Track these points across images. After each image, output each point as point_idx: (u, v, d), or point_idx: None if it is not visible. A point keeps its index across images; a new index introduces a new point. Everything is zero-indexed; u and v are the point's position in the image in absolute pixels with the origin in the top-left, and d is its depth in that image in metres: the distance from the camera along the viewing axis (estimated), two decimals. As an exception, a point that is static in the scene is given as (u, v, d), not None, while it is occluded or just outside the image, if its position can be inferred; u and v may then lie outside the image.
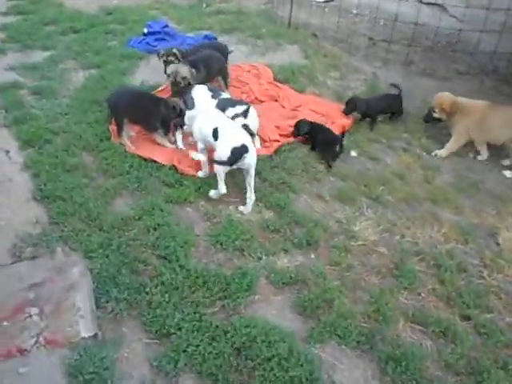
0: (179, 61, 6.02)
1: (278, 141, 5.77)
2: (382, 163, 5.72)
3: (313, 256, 4.42)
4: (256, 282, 4.05)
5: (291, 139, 5.89)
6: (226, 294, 3.92)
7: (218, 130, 4.75)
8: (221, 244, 4.41)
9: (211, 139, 4.84)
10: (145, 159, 5.37)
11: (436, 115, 5.97)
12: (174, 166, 5.28)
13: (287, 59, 8.17)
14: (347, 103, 6.39)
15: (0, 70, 7.20)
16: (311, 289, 4.05)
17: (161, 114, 5.48)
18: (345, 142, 5.79)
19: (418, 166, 5.76)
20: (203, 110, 5.23)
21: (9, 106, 6.21)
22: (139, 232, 4.46)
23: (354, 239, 4.58)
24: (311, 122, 5.85)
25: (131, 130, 5.69)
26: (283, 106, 6.63)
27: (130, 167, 5.24)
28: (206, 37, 8.64)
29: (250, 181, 4.77)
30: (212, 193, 4.92)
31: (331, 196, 5.12)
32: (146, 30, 8.53)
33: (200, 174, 5.17)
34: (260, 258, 4.30)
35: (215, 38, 8.67)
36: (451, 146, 5.97)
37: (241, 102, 5.76)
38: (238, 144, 4.53)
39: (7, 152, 5.46)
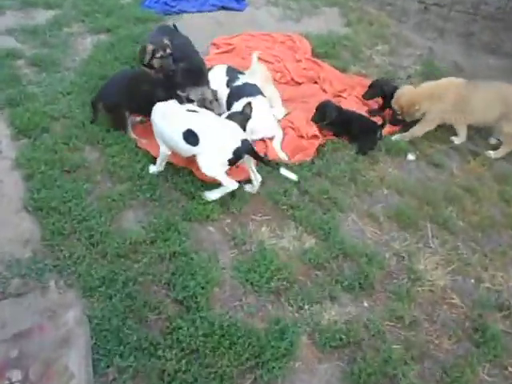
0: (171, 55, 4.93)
1: (317, 137, 4.74)
2: (447, 172, 4.74)
3: (366, 304, 3.54)
4: (297, 343, 3.20)
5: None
6: (258, 362, 3.05)
7: (197, 132, 3.89)
8: (251, 284, 3.53)
9: (181, 144, 3.98)
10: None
11: (400, 117, 4.99)
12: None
13: (325, 27, 7.07)
14: (370, 86, 5.37)
15: (-4, 33, 6.14)
16: (367, 356, 3.19)
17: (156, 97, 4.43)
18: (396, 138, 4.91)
19: (491, 177, 4.76)
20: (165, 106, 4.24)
21: (2, 81, 5.24)
22: (151, 263, 3.60)
23: (418, 282, 3.69)
24: (340, 108, 4.90)
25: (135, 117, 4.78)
26: (324, 91, 5.59)
27: (141, 170, 4.32)
28: (233, -5, 7.47)
29: (252, 165, 4.08)
30: (207, 194, 4.10)
31: (386, 217, 4.19)
32: (164, -12, 7.37)
33: (151, 168, 4.30)
34: (301, 308, 3.43)
35: (244, -3, 7.52)
36: (417, 129, 5.01)
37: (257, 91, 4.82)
38: (238, 143, 3.84)
39: (-3, 143, 4.51)
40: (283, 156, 4.53)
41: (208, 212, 3.99)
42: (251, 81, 4.92)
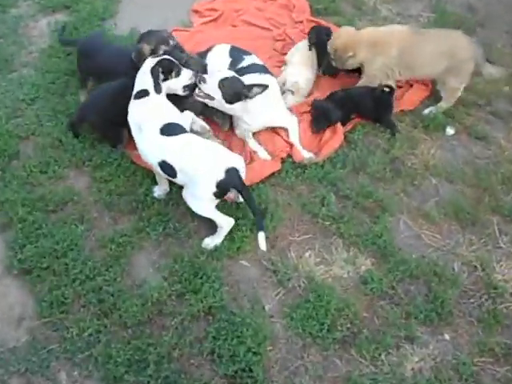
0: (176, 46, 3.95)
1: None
2: (494, 145, 4.05)
3: (447, 337, 2.97)
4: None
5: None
6: None
7: (171, 164, 3.19)
8: (311, 334, 2.89)
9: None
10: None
11: (351, 61, 4.11)
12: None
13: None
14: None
15: None
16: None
17: None
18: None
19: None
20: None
21: None
22: (184, 327, 2.96)
23: (500, 299, 3.10)
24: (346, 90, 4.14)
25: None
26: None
27: (145, 195, 3.55)
28: None
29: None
30: (207, 242, 3.32)
31: (443, 214, 3.54)
32: None
33: (155, 191, 3.57)
34: (376, 358, 2.83)
35: None
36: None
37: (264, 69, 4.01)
38: (221, 175, 3.06)
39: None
40: (309, 155, 3.78)
41: (237, 242, 3.26)
42: (258, 61, 4.09)
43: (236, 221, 3.31)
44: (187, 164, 3.12)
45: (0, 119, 4.06)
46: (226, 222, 3.23)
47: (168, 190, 3.48)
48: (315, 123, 3.93)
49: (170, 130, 3.22)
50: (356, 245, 3.30)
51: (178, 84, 3.54)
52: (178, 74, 3.50)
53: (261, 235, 3.10)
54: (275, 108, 3.85)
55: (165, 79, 3.44)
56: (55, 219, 3.44)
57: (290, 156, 3.79)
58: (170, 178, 3.30)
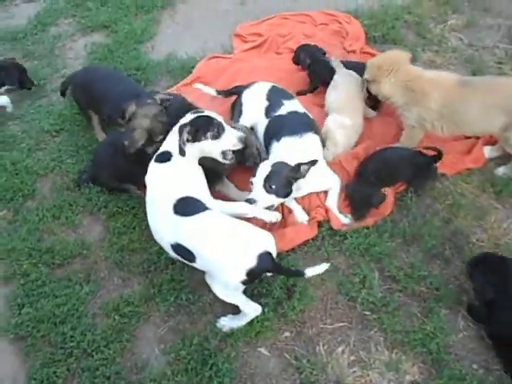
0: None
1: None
2: None
3: None
4: None
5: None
6: None
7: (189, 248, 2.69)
8: None
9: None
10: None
11: (374, 90, 3.54)
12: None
13: (379, -5, 5.49)
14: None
15: (-36, 42, 4.87)
16: None
17: None
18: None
19: None
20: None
21: (-29, 120, 4.02)
22: None
23: None
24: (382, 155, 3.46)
25: None
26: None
27: (158, 255, 3.17)
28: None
29: None
30: (222, 323, 2.83)
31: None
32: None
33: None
34: None
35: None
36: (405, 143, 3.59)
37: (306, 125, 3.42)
38: (253, 262, 2.55)
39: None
40: (346, 220, 3.26)
41: (257, 326, 2.76)
42: (300, 108, 3.54)
43: (257, 299, 2.87)
44: (209, 251, 2.63)
45: (21, 152, 3.80)
46: (252, 310, 2.76)
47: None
48: (354, 212, 3.32)
49: (185, 206, 2.73)
50: (401, 345, 2.74)
51: (214, 147, 3.02)
52: (216, 136, 2.98)
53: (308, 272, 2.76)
54: (318, 171, 3.27)
55: (196, 140, 2.94)
56: (60, 276, 3.12)
57: (327, 220, 3.23)
58: (187, 263, 2.80)
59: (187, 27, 5.09)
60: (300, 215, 3.28)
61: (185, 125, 2.91)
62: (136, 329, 2.87)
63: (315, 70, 4.10)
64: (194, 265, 2.75)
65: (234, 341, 2.76)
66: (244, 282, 2.61)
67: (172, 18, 5.31)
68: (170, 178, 2.86)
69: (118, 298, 2.97)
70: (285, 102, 3.53)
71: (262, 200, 3.02)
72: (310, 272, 2.77)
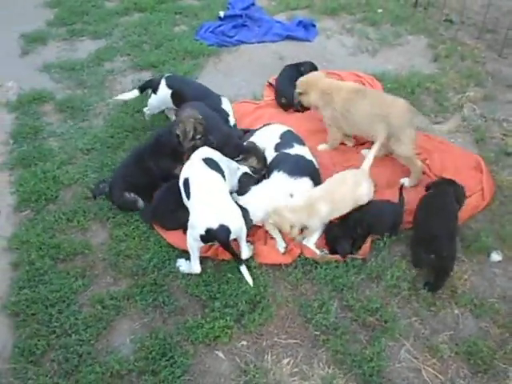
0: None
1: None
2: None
3: None
4: None
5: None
6: None
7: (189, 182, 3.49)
8: None
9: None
10: (172, 247, 3.69)
11: (303, 99, 4.49)
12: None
13: (407, 62, 5.93)
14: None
15: (32, 70, 5.70)
16: None
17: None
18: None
19: None
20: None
21: (20, 133, 4.69)
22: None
23: None
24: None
25: None
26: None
27: (148, 261, 3.64)
28: (300, 23, 6.53)
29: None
30: (180, 263, 3.51)
31: (454, 352, 3.14)
32: (222, 14, 6.60)
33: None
34: None
35: (313, 25, 6.54)
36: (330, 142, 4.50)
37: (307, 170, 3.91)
38: (214, 225, 3.22)
39: (-4, 214, 3.91)
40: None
41: (218, 331, 3.10)
42: (308, 155, 4.00)
43: (223, 308, 3.18)
44: (197, 199, 3.37)
45: (53, 164, 4.35)
46: (195, 267, 3.40)
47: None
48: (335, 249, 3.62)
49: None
50: (341, 364, 3.00)
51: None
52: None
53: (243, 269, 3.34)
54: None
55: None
56: (61, 268, 3.56)
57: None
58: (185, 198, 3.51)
59: (227, 74, 5.62)
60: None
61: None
62: (114, 320, 3.25)
63: None
64: (186, 203, 3.48)
65: (194, 340, 3.09)
66: (201, 237, 3.24)
67: (215, 65, 5.87)
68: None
69: (104, 293, 3.38)
70: (295, 145, 3.98)
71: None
72: (244, 270, 3.35)
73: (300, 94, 4.45)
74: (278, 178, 3.73)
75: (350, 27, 6.68)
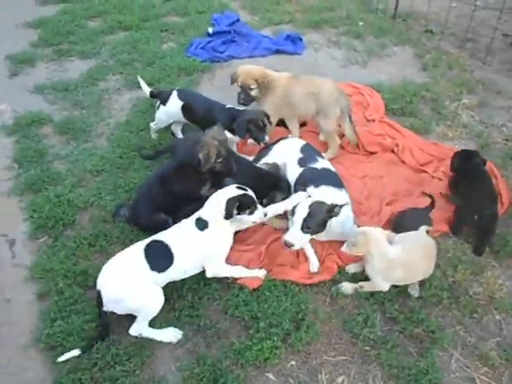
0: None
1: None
2: None
3: None
4: None
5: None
6: None
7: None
8: None
9: None
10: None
11: (254, 92, 4.61)
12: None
13: (398, 72, 6.07)
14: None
15: (24, 91, 5.52)
16: None
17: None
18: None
19: None
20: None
21: (24, 157, 4.50)
22: None
23: None
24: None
25: None
26: (403, 162, 4.52)
27: (181, 283, 3.44)
28: (288, 37, 6.57)
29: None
30: None
31: (504, 359, 3.16)
32: (211, 30, 6.59)
33: None
34: None
35: (300, 39, 6.60)
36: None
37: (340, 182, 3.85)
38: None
39: (11, 243, 3.75)
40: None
41: (266, 353, 3.02)
42: (331, 167, 3.98)
43: (268, 328, 3.10)
44: None
45: (65, 188, 4.19)
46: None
47: None
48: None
49: None
50: (396, 379, 2.97)
51: (247, 220, 3.49)
52: (251, 213, 3.42)
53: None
54: (346, 223, 3.63)
55: (238, 214, 3.38)
56: (91, 296, 3.38)
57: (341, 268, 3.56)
58: None
59: (223, 89, 5.53)
60: (313, 264, 3.58)
61: (233, 199, 3.32)
62: (156, 348, 3.13)
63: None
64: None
65: (244, 363, 3.01)
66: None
67: (210, 81, 5.84)
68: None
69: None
70: (318, 158, 3.95)
71: (298, 242, 3.36)
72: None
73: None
74: (323, 191, 3.64)
75: (336, 40, 6.79)
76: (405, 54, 6.53)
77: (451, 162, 4.19)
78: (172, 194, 3.70)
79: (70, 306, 3.32)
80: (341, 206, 3.37)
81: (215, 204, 3.35)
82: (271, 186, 3.83)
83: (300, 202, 3.43)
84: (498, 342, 3.18)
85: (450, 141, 4.87)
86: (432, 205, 3.84)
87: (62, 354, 3.05)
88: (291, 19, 7.37)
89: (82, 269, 3.53)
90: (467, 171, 4.04)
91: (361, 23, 7.35)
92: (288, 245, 3.33)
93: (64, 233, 3.86)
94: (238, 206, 3.31)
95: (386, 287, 3.34)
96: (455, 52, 6.52)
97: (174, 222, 3.57)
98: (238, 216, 3.37)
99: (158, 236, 3.29)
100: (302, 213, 3.34)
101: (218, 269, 3.37)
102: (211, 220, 3.33)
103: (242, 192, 3.36)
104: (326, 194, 3.54)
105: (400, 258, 3.22)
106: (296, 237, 3.34)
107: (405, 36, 6.90)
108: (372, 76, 5.95)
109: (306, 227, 3.33)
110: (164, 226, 3.56)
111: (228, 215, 3.28)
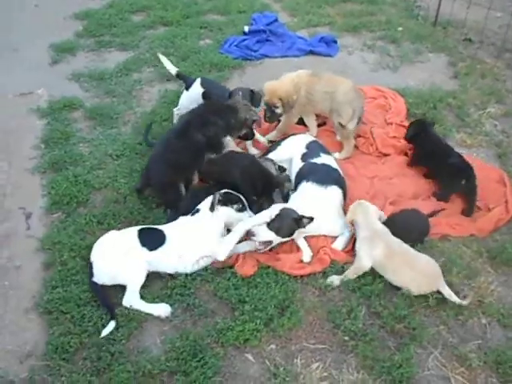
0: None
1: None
2: None
3: None
4: None
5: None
6: None
7: None
8: None
9: None
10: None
11: (279, 110, 4.60)
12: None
13: (428, 79, 6.01)
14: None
15: (62, 78, 5.82)
16: None
17: None
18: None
19: None
20: None
21: (51, 139, 4.79)
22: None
23: None
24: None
25: None
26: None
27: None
28: (322, 39, 6.64)
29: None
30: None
31: (482, 361, 3.15)
32: (247, 29, 6.74)
33: None
34: None
35: (334, 41, 6.65)
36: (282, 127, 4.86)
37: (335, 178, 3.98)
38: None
39: (28, 216, 4.00)
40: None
41: (247, 335, 3.14)
42: (334, 164, 4.09)
43: (252, 312, 3.22)
44: None
45: (84, 168, 4.45)
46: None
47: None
48: None
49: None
50: (370, 369, 3.02)
51: (236, 217, 3.74)
52: (239, 210, 3.73)
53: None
54: (332, 219, 3.80)
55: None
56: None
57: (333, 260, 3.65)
58: None
59: (251, 86, 5.66)
60: (305, 254, 3.68)
61: (218, 194, 3.67)
62: (145, 321, 3.30)
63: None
64: None
65: (225, 342, 3.13)
66: None
67: (240, 78, 5.97)
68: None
69: (136, 294, 3.43)
70: (322, 154, 4.07)
71: (261, 235, 3.53)
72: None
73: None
74: (309, 188, 3.77)
75: (371, 44, 6.78)
76: (439, 61, 6.48)
77: (406, 131, 4.56)
78: (192, 146, 4.00)
79: (71, 276, 3.54)
80: (310, 219, 3.49)
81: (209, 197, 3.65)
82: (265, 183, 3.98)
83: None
84: (480, 345, 3.18)
85: (467, 148, 4.83)
86: (433, 213, 3.85)
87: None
88: (330, 22, 7.41)
89: (88, 243, 3.72)
90: (427, 142, 4.40)
91: (400, 28, 7.31)
92: (250, 235, 3.52)
93: (77, 210, 4.09)
94: (221, 200, 3.58)
95: (367, 264, 3.44)
96: (491, 61, 6.40)
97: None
98: (225, 209, 3.61)
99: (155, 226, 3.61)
100: (271, 212, 3.56)
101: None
102: (203, 209, 3.63)
103: (227, 190, 3.68)
104: (306, 191, 3.76)
105: (384, 231, 3.48)
106: (260, 230, 3.52)
107: (442, 43, 6.82)
108: (401, 81, 5.94)
109: (272, 226, 3.51)
110: (175, 191, 3.89)
111: (212, 207, 3.57)
